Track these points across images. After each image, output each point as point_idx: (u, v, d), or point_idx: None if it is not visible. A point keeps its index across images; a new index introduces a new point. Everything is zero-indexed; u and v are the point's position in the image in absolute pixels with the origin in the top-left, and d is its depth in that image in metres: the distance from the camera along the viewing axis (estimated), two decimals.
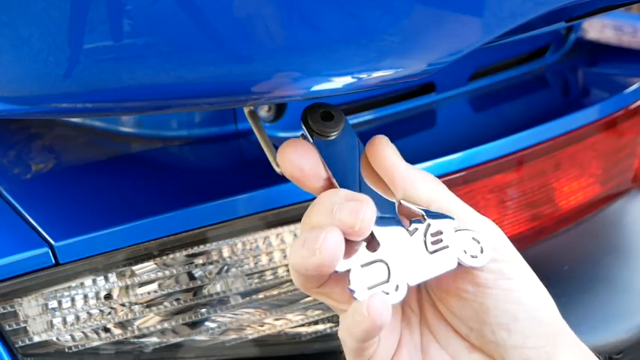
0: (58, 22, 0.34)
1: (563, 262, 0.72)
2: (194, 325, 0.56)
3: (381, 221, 0.42)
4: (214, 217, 0.54)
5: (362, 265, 0.41)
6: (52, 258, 0.51)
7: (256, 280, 0.57)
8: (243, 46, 0.36)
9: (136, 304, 0.54)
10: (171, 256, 0.54)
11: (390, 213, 0.43)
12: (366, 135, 0.67)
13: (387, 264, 0.41)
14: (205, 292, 0.56)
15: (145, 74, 0.36)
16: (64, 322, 0.53)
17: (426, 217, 0.43)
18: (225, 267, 0.56)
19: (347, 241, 0.40)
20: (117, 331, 0.54)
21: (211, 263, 0.56)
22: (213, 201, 0.54)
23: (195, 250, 0.55)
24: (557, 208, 0.74)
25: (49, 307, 0.52)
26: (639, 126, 0.80)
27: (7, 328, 0.52)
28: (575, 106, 0.75)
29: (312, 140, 0.44)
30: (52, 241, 0.50)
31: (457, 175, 0.63)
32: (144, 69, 0.36)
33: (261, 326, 0.58)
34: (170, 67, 0.36)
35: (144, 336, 0.55)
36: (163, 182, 0.58)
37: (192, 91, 0.38)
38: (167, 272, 0.54)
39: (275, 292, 0.58)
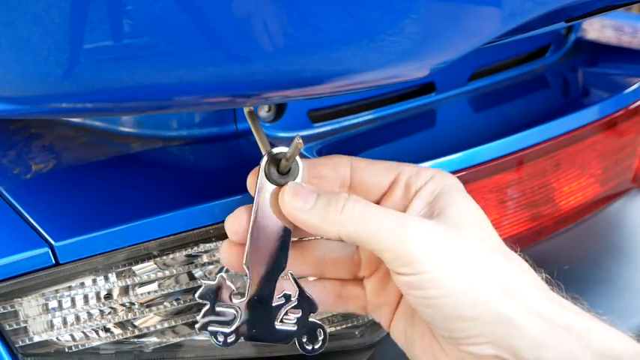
0: (58, 22, 0.34)
1: (563, 262, 0.72)
2: (194, 325, 0.56)
3: (260, 278, 0.48)
4: (214, 217, 0.54)
5: (218, 306, 0.48)
6: (52, 258, 0.51)
7: None
8: (243, 46, 0.36)
9: (136, 304, 0.54)
10: (171, 256, 0.54)
11: (274, 276, 0.49)
12: (365, 135, 0.67)
13: (237, 315, 0.48)
14: None
15: (145, 74, 0.36)
16: (64, 321, 0.53)
17: (294, 296, 0.49)
18: (225, 267, 0.56)
19: (221, 282, 0.48)
20: (117, 331, 0.55)
21: (211, 263, 0.56)
22: (213, 201, 0.54)
23: (195, 250, 0.55)
24: (557, 208, 0.74)
25: (49, 307, 0.52)
26: (639, 126, 0.80)
27: (8, 327, 0.52)
28: (575, 106, 0.75)
29: (264, 182, 0.48)
30: (52, 241, 0.50)
31: (457, 175, 0.63)
32: (144, 69, 0.36)
33: None
34: (170, 67, 0.36)
35: (144, 336, 0.55)
36: (163, 182, 0.58)
37: (192, 91, 0.38)
38: (167, 272, 0.55)
39: None
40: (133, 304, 0.54)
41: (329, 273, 0.52)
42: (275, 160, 0.48)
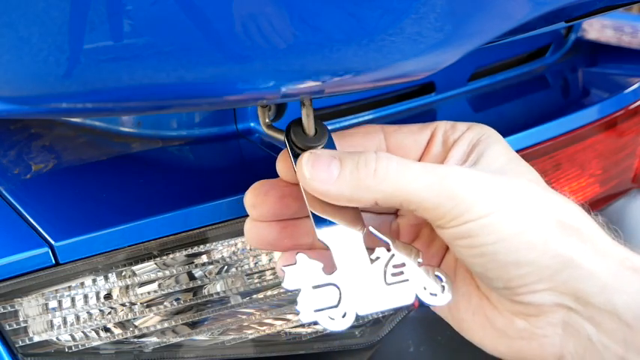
0: (58, 22, 0.34)
1: None
2: (194, 325, 0.56)
3: (342, 244, 0.42)
4: (214, 217, 0.54)
5: (314, 287, 0.40)
6: (52, 258, 0.51)
7: (256, 280, 0.57)
8: (243, 46, 0.36)
9: (136, 304, 0.54)
10: (171, 256, 0.54)
11: (355, 237, 0.43)
12: None
13: (339, 289, 0.41)
14: (205, 292, 0.56)
15: (145, 74, 0.36)
16: (64, 321, 0.53)
17: (391, 247, 0.42)
18: (225, 267, 0.56)
19: (304, 262, 0.41)
20: (117, 331, 0.55)
21: (211, 263, 0.56)
22: (213, 201, 0.54)
23: (195, 250, 0.55)
24: None
25: (49, 307, 0.52)
26: (639, 126, 0.80)
27: (8, 327, 0.52)
28: (575, 106, 0.75)
29: (292, 157, 0.43)
30: (52, 241, 0.51)
31: None
32: (144, 69, 0.36)
33: (261, 326, 0.58)
34: (170, 67, 0.36)
35: (144, 336, 0.55)
36: (163, 182, 0.59)
37: (192, 91, 0.38)
38: (167, 272, 0.55)
39: (275, 292, 0.58)
40: (133, 304, 0.54)
41: (365, 243, 0.48)
42: (298, 125, 0.44)
